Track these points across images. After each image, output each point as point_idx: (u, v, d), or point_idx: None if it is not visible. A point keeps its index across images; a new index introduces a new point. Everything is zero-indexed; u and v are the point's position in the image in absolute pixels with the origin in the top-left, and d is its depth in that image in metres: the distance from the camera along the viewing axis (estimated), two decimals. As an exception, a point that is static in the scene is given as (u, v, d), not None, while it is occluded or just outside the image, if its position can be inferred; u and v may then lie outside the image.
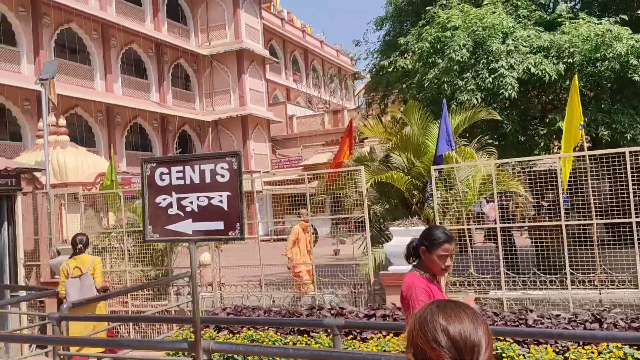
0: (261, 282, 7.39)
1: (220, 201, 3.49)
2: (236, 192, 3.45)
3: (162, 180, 3.64)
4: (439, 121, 7.76)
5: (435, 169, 6.41)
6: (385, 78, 12.38)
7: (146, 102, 30.45)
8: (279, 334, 6.16)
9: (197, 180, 3.56)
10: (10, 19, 23.91)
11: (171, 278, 7.30)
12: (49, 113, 9.56)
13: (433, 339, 1.30)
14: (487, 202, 9.85)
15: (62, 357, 5.16)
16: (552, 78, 8.23)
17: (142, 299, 8.26)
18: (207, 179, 3.53)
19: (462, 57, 8.45)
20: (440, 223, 6.41)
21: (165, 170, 3.64)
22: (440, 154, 6.49)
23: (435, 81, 9.03)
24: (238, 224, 3.45)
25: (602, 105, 8.66)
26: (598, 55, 8.20)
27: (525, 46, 8.62)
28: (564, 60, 8.42)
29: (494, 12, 8.70)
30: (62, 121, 10.26)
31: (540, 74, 8.22)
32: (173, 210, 3.61)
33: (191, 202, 3.57)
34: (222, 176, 3.49)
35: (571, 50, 8.39)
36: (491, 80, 8.48)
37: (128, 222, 8.77)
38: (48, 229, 8.55)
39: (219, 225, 3.50)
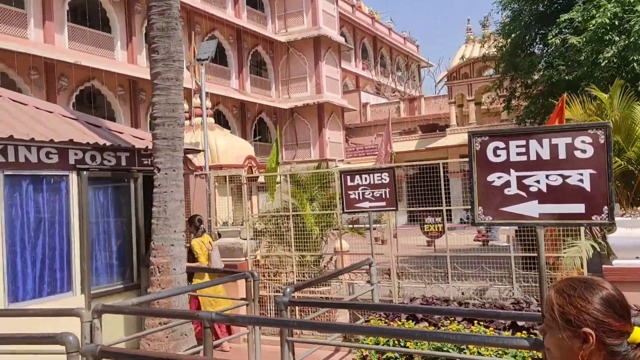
0: (448, 271, 6.95)
1: (581, 180, 3.03)
2: (604, 171, 2.98)
3: (497, 156, 3.21)
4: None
5: (670, 154, 5.80)
6: (528, 60, 11.66)
7: (227, 89, 30.49)
8: (491, 328, 5.71)
9: (546, 156, 3.10)
10: (105, 5, 24.23)
11: (355, 266, 6.96)
12: (193, 95, 9.38)
13: (612, 310, 1.41)
14: None
15: (290, 343, 4.87)
16: None
17: (313, 285, 7.95)
18: (562, 155, 3.07)
19: (657, 33, 7.72)
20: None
21: (500, 144, 3.21)
22: (674, 137, 5.87)
23: (615, 60, 8.31)
24: (606, 207, 2.98)
25: None
26: None
27: None
28: None
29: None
30: (208, 103, 10.10)
31: None
32: (511, 190, 3.18)
33: (537, 181, 3.13)
34: (584, 151, 3.02)
35: None
36: (687, 59, 7.72)
37: (284, 206, 8.50)
38: (207, 211, 8.38)
39: (578, 208, 3.04)
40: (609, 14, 8.40)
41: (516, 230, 13.47)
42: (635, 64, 7.93)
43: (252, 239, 8.22)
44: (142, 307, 5.06)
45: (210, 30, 29.86)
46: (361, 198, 7.12)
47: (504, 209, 3.21)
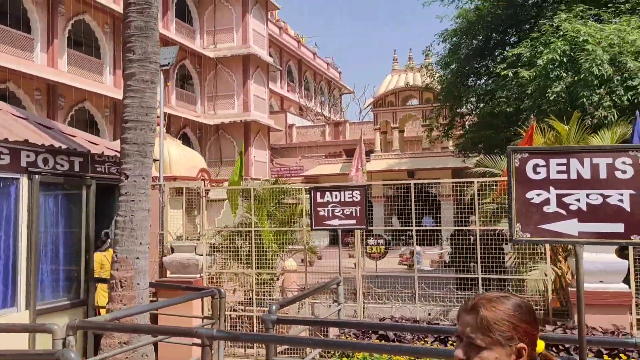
0: (415, 292, 6.94)
1: (621, 200, 3.09)
2: (644, 191, 3.06)
3: (536, 173, 3.23)
4: (594, 135, 7.54)
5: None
6: (472, 90, 12.16)
7: (152, 101, 29.45)
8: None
9: (586, 176, 3.15)
10: (26, 4, 22.78)
11: (328, 284, 6.76)
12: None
13: (535, 322, 1.51)
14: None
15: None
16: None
17: (270, 304, 7.63)
18: (602, 175, 3.13)
19: (606, 72, 8.27)
20: None
21: (541, 162, 3.22)
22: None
23: (563, 95, 8.83)
24: (645, 227, 3.06)
25: None
26: None
27: (659, 65, 8.51)
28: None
29: (638, 28, 8.58)
30: (158, 111, 9.58)
31: (683, 94, 8.12)
32: (550, 208, 3.19)
33: (577, 200, 3.16)
34: (624, 172, 3.09)
35: None
36: (629, 98, 8.33)
37: (241, 221, 8.21)
38: (159, 225, 7.89)
39: (617, 227, 3.10)
40: (559, 51, 8.94)
41: (450, 254, 13.83)
42: (584, 99, 8.46)
43: (208, 254, 7.83)
44: (131, 324, 4.60)
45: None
46: (331, 215, 7.00)
47: (543, 226, 3.21)
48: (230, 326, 7.86)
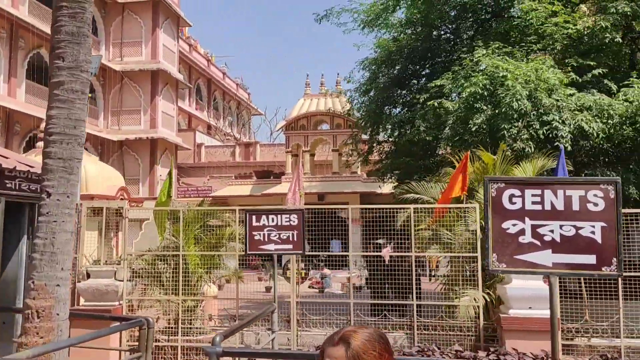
0: (350, 319, 6.81)
1: (592, 232, 3.16)
2: (613, 224, 3.15)
3: (512, 203, 3.23)
4: (517, 166, 7.90)
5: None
6: (394, 118, 12.45)
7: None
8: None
9: (560, 207, 3.19)
10: None
11: (264, 312, 6.43)
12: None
13: (392, 353, 1.60)
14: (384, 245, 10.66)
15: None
16: (600, 136, 8.80)
17: (195, 332, 7.18)
18: (575, 207, 3.18)
19: (525, 107, 8.73)
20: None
21: (517, 192, 3.24)
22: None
23: (484, 127, 9.22)
24: (615, 259, 3.14)
25: (631, 166, 9.40)
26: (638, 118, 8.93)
27: (570, 103, 9.13)
28: (604, 120, 9.05)
29: (552, 67, 9.16)
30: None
31: (590, 131, 8.74)
32: (526, 239, 3.20)
33: (551, 231, 3.19)
34: (595, 205, 3.17)
35: (610, 112, 9.04)
36: (544, 132, 8.84)
37: (166, 244, 7.73)
38: (75, 247, 7.21)
39: (589, 259, 3.16)
40: (480, 85, 9.35)
41: (366, 278, 13.92)
42: (505, 132, 8.88)
43: (129, 280, 7.26)
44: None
45: (35, 47, 27.05)
46: (267, 240, 6.76)
47: (518, 257, 3.22)
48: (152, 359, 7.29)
